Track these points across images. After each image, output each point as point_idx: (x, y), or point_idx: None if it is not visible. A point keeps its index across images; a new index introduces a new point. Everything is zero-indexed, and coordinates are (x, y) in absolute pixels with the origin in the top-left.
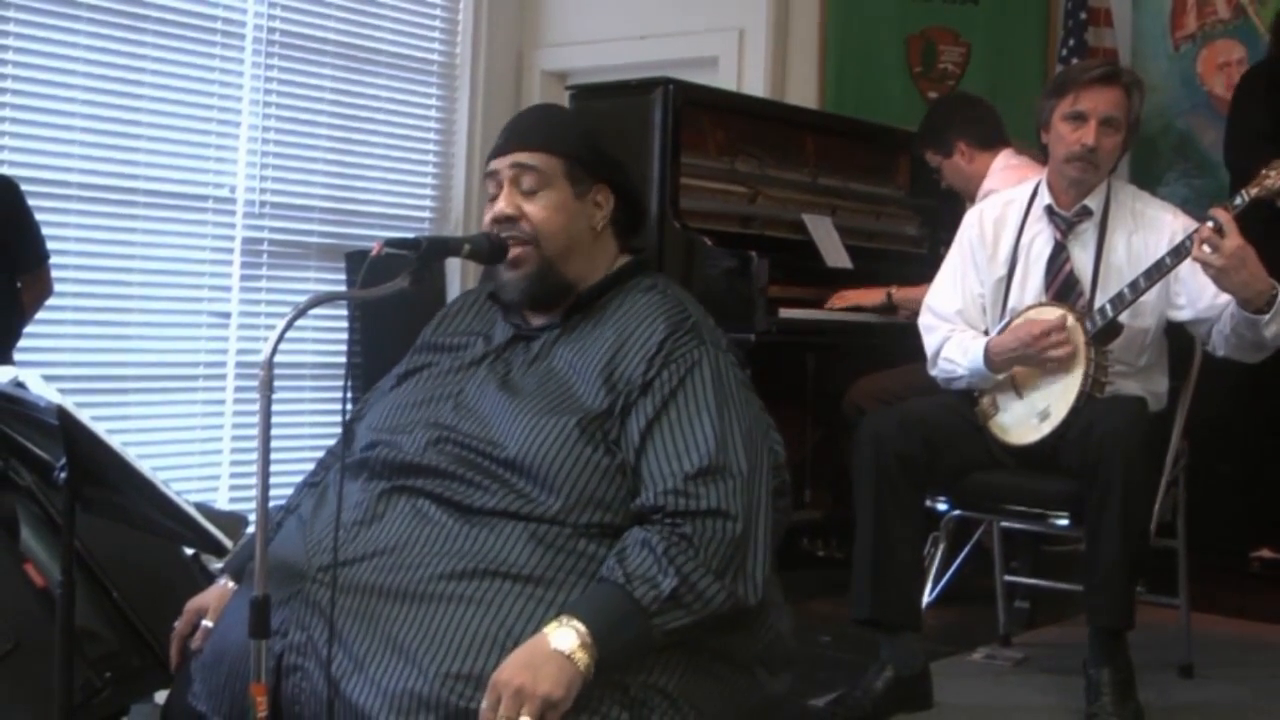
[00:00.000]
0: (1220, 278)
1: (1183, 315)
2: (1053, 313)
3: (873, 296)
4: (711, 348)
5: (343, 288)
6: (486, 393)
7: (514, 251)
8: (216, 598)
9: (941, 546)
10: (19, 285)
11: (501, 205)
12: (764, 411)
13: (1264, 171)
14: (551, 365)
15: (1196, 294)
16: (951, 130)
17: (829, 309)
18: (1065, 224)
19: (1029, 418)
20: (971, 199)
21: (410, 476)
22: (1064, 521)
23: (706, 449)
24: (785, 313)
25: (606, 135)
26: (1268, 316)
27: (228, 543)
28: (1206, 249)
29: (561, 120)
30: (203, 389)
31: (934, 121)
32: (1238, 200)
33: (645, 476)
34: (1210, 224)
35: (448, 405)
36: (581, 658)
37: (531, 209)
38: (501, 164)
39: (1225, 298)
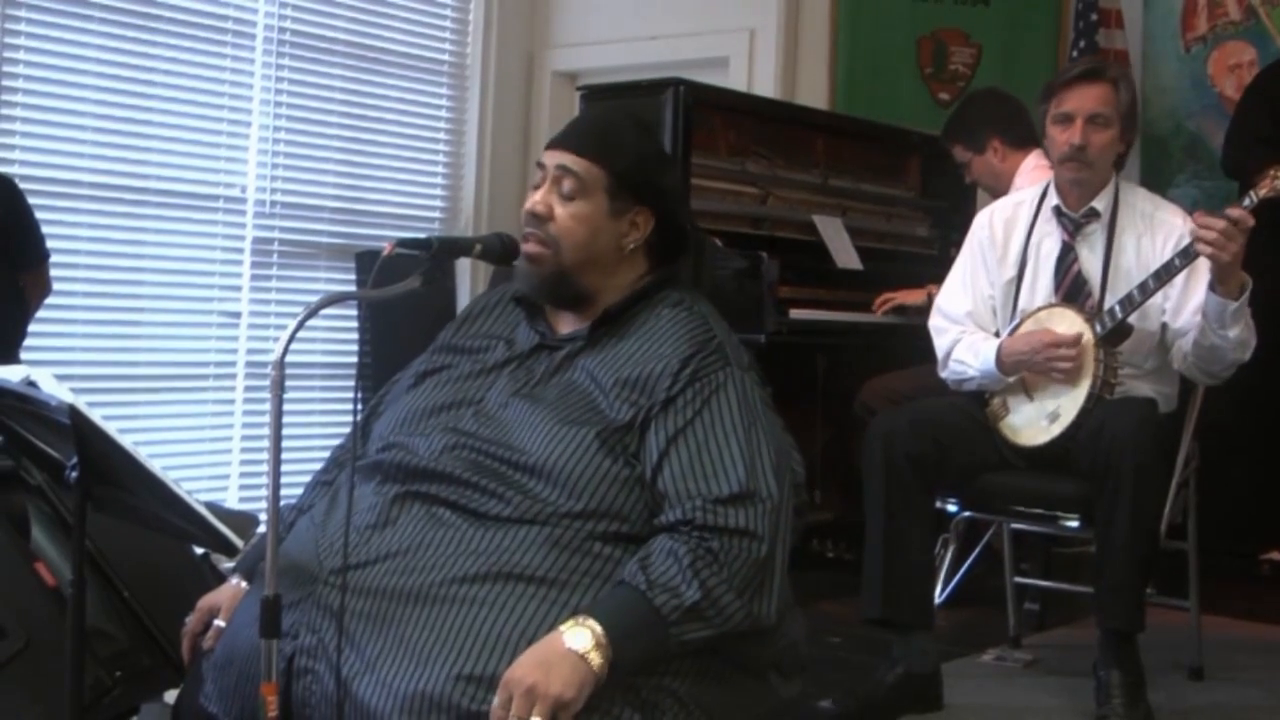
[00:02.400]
0: (1225, 266)
1: (1164, 318)
2: (1064, 315)
3: (914, 296)
4: (737, 369)
5: (353, 288)
6: (507, 401)
7: (533, 249)
8: (229, 597)
9: (951, 548)
10: (21, 284)
11: (537, 201)
12: (785, 431)
13: (1271, 171)
14: (574, 377)
15: (1180, 305)
16: (987, 127)
17: (872, 311)
18: (1073, 225)
19: (1039, 419)
20: (999, 197)
21: (424, 482)
22: (1074, 523)
23: (737, 475)
24: (795, 313)
25: (667, 162)
26: (1236, 305)
27: (238, 542)
28: (1221, 238)
29: (620, 134)
30: (213, 388)
31: (968, 116)
32: (1246, 201)
33: (670, 492)
34: (1237, 210)
35: (468, 412)
36: (595, 659)
37: (561, 214)
38: (550, 159)
39: (1199, 316)
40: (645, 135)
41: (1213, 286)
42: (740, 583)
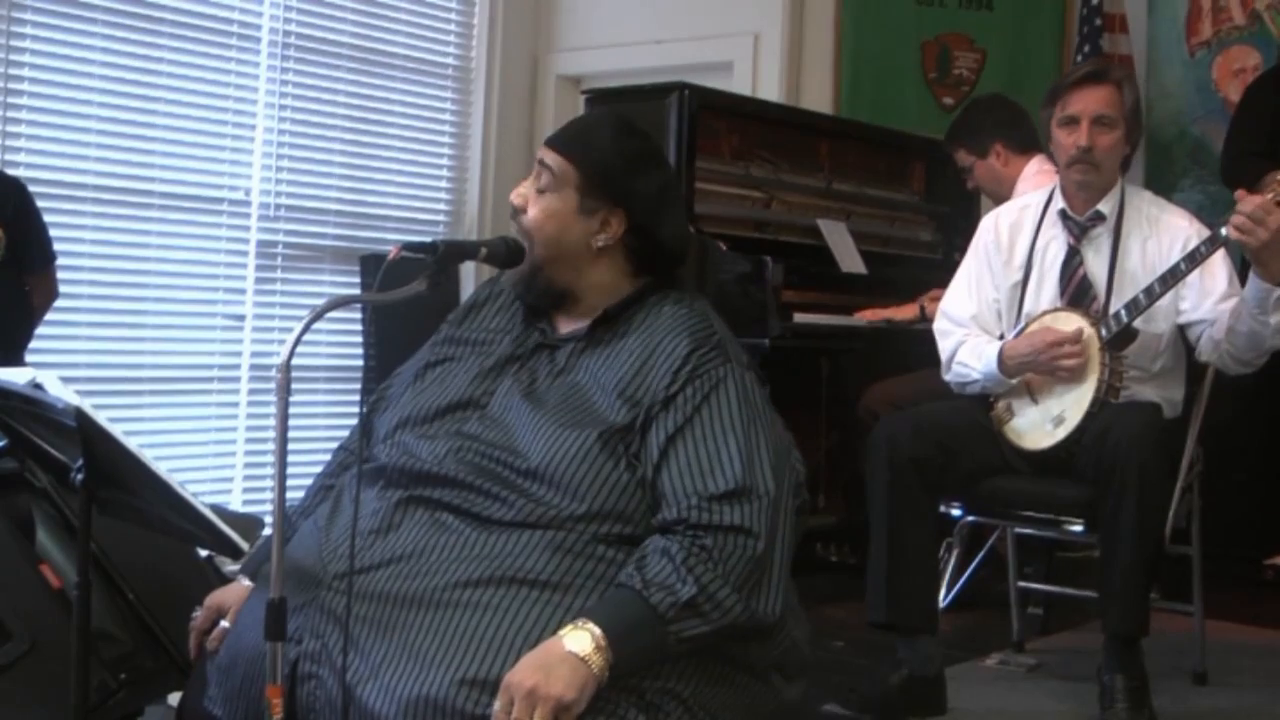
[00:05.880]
0: (1258, 250)
1: (1184, 318)
2: (1069, 318)
3: (906, 312)
4: (736, 366)
5: (357, 291)
6: (511, 404)
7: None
8: (236, 597)
9: (955, 552)
10: (27, 288)
11: (516, 193)
12: (785, 430)
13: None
14: (576, 378)
15: (1202, 296)
16: (989, 131)
17: (857, 319)
18: (1078, 228)
19: (1044, 423)
20: (1000, 202)
21: (427, 486)
22: (1078, 527)
23: (733, 471)
24: (800, 318)
25: (653, 167)
26: (1279, 292)
27: (243, 544)
28: (1248, 223)
29: (597, 134)
30: (217, 391)
31: (971, 121)
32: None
33: (667, 491)
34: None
35: (473, 415)
36: (596, 660)
37: (533, 209)
38: (539, 154)
39: (1228, 303)
40: (627, 138)
41: (1257, 272)
42: (737, 579)
